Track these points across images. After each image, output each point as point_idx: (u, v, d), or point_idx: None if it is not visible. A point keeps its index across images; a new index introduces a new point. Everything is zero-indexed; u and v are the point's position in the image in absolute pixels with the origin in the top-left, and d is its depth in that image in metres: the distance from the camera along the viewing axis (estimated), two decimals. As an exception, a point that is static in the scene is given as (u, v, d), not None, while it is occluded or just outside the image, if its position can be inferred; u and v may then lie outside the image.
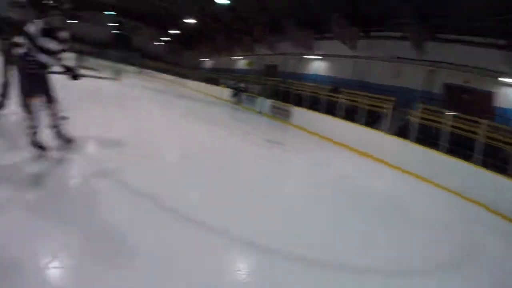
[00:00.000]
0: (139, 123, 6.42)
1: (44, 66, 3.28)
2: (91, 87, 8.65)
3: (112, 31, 30.31)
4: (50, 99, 3.41)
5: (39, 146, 3.26)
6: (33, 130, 3.24)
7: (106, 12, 26.88)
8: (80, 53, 17.16)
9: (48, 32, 3.19)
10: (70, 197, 2.63)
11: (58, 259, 1.79)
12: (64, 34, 3.35)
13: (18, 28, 3.38)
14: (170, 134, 5.85)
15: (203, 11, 19.06)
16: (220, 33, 22.36)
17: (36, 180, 2.71)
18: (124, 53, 27.23)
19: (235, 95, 15.29)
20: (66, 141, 3.63)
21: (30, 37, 3.13)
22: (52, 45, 3.25)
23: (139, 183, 3.09)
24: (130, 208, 2.60)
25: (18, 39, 3.26)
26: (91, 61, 19.66)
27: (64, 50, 3.42)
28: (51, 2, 3.11)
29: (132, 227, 2.32)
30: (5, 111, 4.50)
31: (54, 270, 1.71)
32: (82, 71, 3.60)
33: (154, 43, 31.93)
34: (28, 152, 3.20)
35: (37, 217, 2.15)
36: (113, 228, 2.23)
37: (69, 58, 3.77)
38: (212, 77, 21.40)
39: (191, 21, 19.70)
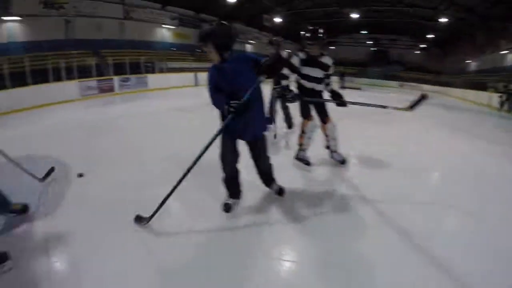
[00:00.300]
0: (403, 140, 6.23)
1: (313, 92, 3.53)
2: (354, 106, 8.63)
3: (369, 49, 30.04)
4: (323, 121, 3.67)
5: (305, 162, 3.67)
6: (303, 147, 3.68)
7: (360, 32, 27.13)
8: (342, 75, 18.91)
9: (310, 62, 3.41)
10: (325, 214, 2.78)
11: (290, 257, 2.15)
12: (325, 60, 3.48)
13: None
14: (431, 152, 5.34)
15: (453, 6, 16.60)
16: (478, 26, 18.42)
17: (303, 198, 3.00)
18: (384, 68, 26.37)
19: (506, 100, 12.05)
20: (339, 161, 3.84)
21: (294, 68, 3.38)
22: (316, 72, 3.45)
23: (394, 212, 2.84)
24: (380, 239, 2.43)
25: (284, 71, 3.39)
26: (355, 80, 20.42)
27: (328, 76, 3.57)
28: (305, 34, 3.33)
29: (372, 255, 2.18)
30: (271, 129, 5.14)
31: (286, 264, 2.08)
32: (347, 96, 3.73)
33: (415, 52, 29.53)
34: (295, 167, 3.65)
35: (290, 222, 2.56)
36: (354, 250, 2.25)
37: (333, 82, 3.86)
38: (477, 81, 17.82)
39: (444, 20, 17.20)
